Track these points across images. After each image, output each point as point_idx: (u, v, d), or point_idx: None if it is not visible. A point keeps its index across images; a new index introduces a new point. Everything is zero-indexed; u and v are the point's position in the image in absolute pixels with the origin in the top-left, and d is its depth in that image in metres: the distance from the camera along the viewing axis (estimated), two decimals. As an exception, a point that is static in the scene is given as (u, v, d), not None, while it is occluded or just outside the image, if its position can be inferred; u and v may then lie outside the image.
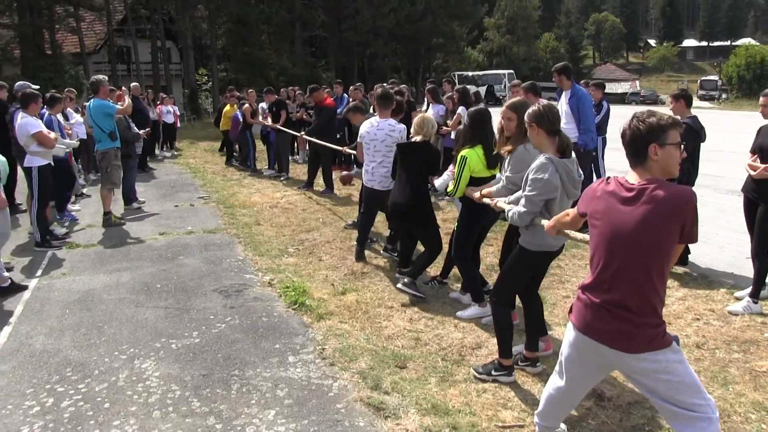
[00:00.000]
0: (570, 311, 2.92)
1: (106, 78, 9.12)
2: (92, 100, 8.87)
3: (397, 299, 5.64)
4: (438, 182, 5.69)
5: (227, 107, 15.59)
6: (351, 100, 13.70)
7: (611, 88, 58.68)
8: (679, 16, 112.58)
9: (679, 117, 6.16)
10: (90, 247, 7.68)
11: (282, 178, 12.79)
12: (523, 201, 3.72)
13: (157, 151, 17.84)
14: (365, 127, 6.70)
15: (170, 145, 18.94)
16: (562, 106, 7.88)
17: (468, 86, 12.99)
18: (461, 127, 6.66)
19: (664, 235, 2.54)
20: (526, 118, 3.83)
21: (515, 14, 73.58)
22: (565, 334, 2.91)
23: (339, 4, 45.53)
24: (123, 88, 10.31)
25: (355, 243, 7.06)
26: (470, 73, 53.06)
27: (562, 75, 7.83)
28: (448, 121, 10.41)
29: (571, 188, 3.70)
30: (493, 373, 4.07)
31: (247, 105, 14.16)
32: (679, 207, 2.51)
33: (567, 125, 7.76)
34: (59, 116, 9.47)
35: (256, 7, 42.86)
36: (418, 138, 5.80)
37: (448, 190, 5.22)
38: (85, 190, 11.67)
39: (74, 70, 31.61)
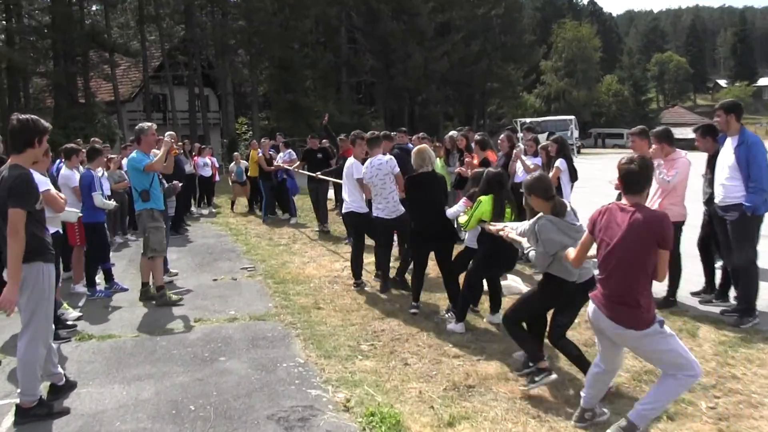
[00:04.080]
0: None
1: (153, 126, 7.83)
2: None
3: (526, 430, 4.10)
4: (450, 211, 6.58)
5: (252, 152, 15.95)
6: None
7: (682, 133, 56.22)
8: (753, 53, 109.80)
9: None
10: (105, 339, 6.30)
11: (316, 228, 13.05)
12: (535, 255, 4.63)
13: (193, 209, 16.81)
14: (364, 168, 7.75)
15: (208, 201, 17.99)
16: (728, 156, 6.14)
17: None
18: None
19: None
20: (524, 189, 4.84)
21: (574, 56, 71.75)
22: None
23: (388, 48, 44.97)
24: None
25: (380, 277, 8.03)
26: (528, 120, 51.59)
27: (731, 114, 6.04)
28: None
29: (570, 238, 4.46)
30: (536, 379, 4.67)
31: (261, 155, 14.55)
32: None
33: (730, 182, 6.08)
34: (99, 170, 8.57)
35: (300, 51, 42.60)
36: (427, 169, 6.82)
37: (461, 221, 6.26)
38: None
39: (107, 119, 31.36)
